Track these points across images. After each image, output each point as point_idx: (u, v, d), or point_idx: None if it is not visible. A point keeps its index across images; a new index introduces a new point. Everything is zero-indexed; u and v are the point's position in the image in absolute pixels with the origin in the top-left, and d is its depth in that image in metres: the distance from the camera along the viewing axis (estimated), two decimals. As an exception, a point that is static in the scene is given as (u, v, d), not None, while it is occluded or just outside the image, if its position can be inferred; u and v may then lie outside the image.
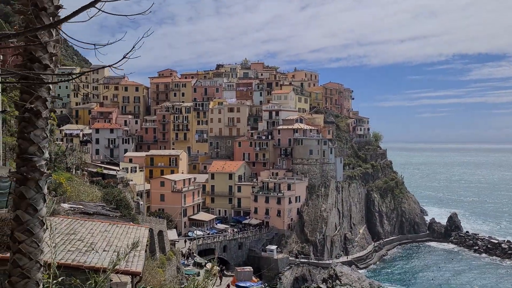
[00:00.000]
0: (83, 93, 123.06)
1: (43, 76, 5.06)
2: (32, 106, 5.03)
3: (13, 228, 5.10)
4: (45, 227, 5.28)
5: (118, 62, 3.32)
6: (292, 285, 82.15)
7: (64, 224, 19.48)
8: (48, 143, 5.40)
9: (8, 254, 14.52)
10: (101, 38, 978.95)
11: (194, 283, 11.89)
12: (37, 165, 5.10)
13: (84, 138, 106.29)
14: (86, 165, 49.61)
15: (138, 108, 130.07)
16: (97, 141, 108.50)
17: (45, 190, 5.26)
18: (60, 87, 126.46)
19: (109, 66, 3.31)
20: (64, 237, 17.30)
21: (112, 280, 17.82)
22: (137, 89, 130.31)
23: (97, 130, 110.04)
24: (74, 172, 43.18)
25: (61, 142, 75.33)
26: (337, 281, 77.57)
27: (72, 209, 22.64)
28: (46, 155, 5.26)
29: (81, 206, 23.21)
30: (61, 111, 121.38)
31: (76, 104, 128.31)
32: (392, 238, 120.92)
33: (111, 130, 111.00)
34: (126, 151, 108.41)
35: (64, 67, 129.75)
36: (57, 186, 23.62)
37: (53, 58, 5.26)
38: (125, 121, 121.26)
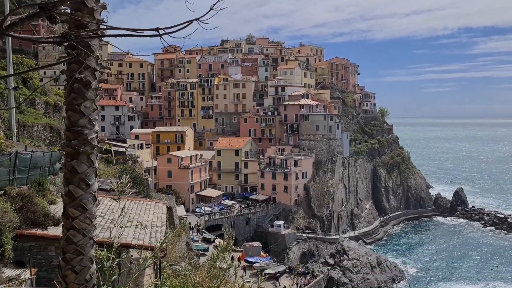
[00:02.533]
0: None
1: (91, 43, 4.75)
2: (82, 76, 4.75)
3: (66, 203, 4.90)
4: (97, 202, 5.07)
5: (205, 14, 2.99)
6: (299, 260, 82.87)
7: (83, 200, 19.37)
8: (97, 115, 5.14)
9: (34, 230, 14.35)
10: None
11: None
12: (89, 138, 4.85)
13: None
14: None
15: (143, 85, 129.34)
16: (103, 118, 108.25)
17: (96, 164, 5.03)
18: (64, 65, 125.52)
19: (196, 19, 2.99)
20: (84, 213, 17.20)
21: (132, 256, 17.81)
22: (141, 66, 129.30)
23: (102, 107, 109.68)
24: (83, 149, 42.99)
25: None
26: (345, 256, 78.14)
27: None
28: (96, 127, 5.02)
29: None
30: (64, 88, 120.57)
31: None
32: (398, 213, 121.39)
33: (117, 107, 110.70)
34: (132, 128, 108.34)
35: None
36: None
37: (100, 25, 4.96)
38: (130, 98, 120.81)
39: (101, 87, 5.10)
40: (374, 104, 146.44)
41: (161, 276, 14.12)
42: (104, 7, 4.95)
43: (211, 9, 2.96)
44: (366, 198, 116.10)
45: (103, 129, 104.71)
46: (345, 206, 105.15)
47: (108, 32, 2.96)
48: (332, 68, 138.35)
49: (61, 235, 14.87)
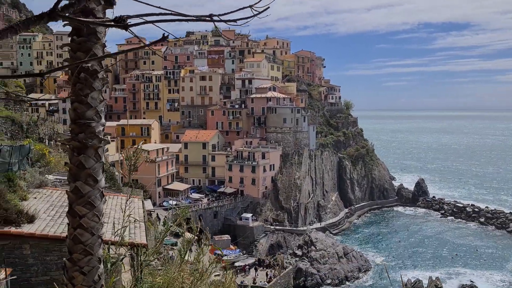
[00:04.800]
0: (48, 61, 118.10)
1: (97, 30, 4.37)
2: (89, 65, 4.38)
3: (72, 201, 4.53)
4: (104, 199, 4.73)
5: (259, 1, 2.76)
6: (267, 252, 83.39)
7: (55, 196, 18.66)
8: (104, 107, 4.78)
9: (7, 228, 13.62)
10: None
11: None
12: (96, 131, 4.49)
13: (51, 108, 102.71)
14: (58, 135, 47.85)
15: (107, 76, 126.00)
16: (64, 111, 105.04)
17: (103, 159, 4.68)
18: (22, 55, 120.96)
19: (249, 6, 2.75)
20: (58, 209, 16.54)
21: (110, 253, 17.26)
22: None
23: (63, 100, 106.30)
24: (47, 142, 41.61)
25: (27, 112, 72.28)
26: (312, 247, 79.15)
27: (58, 180, 21.75)
28: (103, 120, 4.66)
29: (66, 178, 22.30)
30: (25, 80, 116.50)
31: (40, 71, 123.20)
32: (362, 204, 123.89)
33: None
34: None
35: (25, 33, 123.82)
36: (40, 157, 22.54)
37: (105, 10, 4.58)
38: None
39: (107, 77, 4.74)
40: (339, 97, 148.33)
41: (142, 273, 13.73)
42: None
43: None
44: (332, 190, 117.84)
45: (64, 122, 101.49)
46: (312, 198, 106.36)
47: (160, 17, 2.68)
48: (298, 61, 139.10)
49: (36, 232, 14.04)
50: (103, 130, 4.70)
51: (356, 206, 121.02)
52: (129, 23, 2.84)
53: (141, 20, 2.56)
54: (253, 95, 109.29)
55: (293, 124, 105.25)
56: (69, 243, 4.58)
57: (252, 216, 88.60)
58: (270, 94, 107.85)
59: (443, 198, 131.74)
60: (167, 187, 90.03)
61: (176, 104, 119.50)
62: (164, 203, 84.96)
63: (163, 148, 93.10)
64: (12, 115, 37.86)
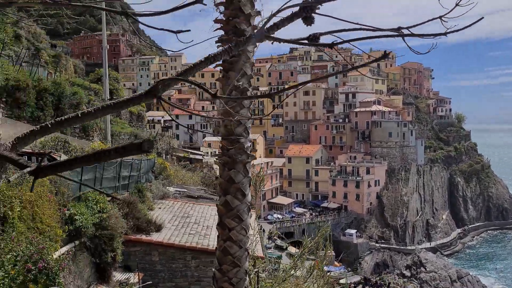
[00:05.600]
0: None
1: (247, 49, 4.82)
2: (239, 84, 4.84)
3: (222, 214, 5.00)
4: (250, 213, 5.15)
5: (450, 11, 2.79)
6: (372, 271, 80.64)
7: (177, 207, 20.08)
8: (250, 123, 5.24)
9: (139, 236, 14.98)
10: (175, 27, 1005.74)
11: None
12: (245, 146, 4.91)
13: (165, 124, 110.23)
14: (174, 150, 51.34)
15: (215, 93, 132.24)
16: (177, 127, 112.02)
17: (250, 174, 5.11)
18: (141, 76, 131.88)
19: (439, 17, 2.84)
20: (181, 220, 17.79)
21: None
22: (213, 75, 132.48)
23: (177, 116, 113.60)
24: (164, 156, 44.79)
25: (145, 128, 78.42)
26: (422, 268, 74.96)
27: (178, 192, 23.36)
28: (250, 136, 5.07)
29: (185, 190, 23.91)
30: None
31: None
32: (478, 224, 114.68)
33: (190, 116, 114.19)
34: (204, 136, 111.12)
35: (144, 56, 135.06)
36: (161, 170, 24.45)
37: (255, 31, 5.01)
38: (203, 107, 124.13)
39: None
40: (450, 110, 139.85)
41: (259, 284, 14.21)
42: (258, 13, 5.00)
43: (457, 5, 2.79)
44: (442, 208, 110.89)
45: (177, 137, 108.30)
46: (420, 215, 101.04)
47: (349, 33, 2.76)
48: (405, 73, 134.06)
49: (164, 241, 15.22)
50: (250, 146, 5.10)
51: (470, 226, 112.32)
52: (334, 43, 2.78)
53: (336, 39, 2.59)
54: (357, 109, 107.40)
55: (399, 138, 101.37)
56: (219, 254, 5.03)
57: (356, 232, 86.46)
58: (374, 107, 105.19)
59: None
60: (271, 200, 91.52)
61: (280, 119, 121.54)
62: (269, 217, 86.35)
63: (267, 163, 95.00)
64: (135, 131, 41.36)
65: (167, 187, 23.29)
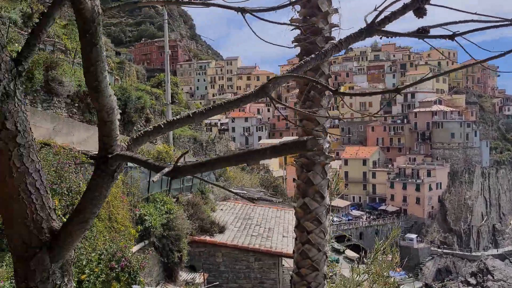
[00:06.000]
0: (219, 85, 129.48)
1: (327, 49, 4.74)
2: (318, 84, 4.78)
3: (300, 216, 4.97)
4: (328, 216, 5.09)
5: None
6: (434, 277, 77.68)
7: (238, 208, 20.29)
8: (328, 124, 5.17)
9: (203, 237, 15.21)
10: (229, 31, 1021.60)
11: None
12: (323, 148, 4.85)
13: (222, 127, 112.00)
14: (231, 152, 52.04)
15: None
16: (233, 129, 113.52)
17: (328, 176, 5.05)
18: (198, 80, 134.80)
19: None
20: (242, 221, 17.96)
21: (283, 265, 18.12)
22: (268, 78, 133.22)
23: (233, 119, 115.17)
24: (221, 159, 45.40)
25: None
26: (489, 276, 71.31)
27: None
28: (328, 137, 5.00)
29: (245, 192, 24.13)
30: (200, 102, 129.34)
31: (213, 95, 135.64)
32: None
33: (246, 119, 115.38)
34: (260, 138, 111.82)
35: (201, 61, 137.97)
36: (222, 172, 24.84)
37: (332, 29, 4.93)
38: (258, 110, 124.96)
39: (332, 94, 5.06)
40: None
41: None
42: (336, 11, 4.92)
43: None
44: (510, 213, 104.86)
45: (233, 139, 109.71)
46: (486, 220, 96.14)
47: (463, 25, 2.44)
48: (467, 71, 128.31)
49: (227, 242, 15.36)
50: (329, 147, 5.03)
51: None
52: (455, 33, 2.51)
53: (447, 32, 2.39)
54: (417, 110, 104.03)
55: (462, 140, 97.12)
56: (297, 257, 5.00)
57: (417, 237, 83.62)
58: (435, 107, 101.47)
59: None
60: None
61: (335, 121, 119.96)
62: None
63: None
64: (194, 134, 42.29)
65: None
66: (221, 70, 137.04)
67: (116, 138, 2.10)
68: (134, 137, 2.15)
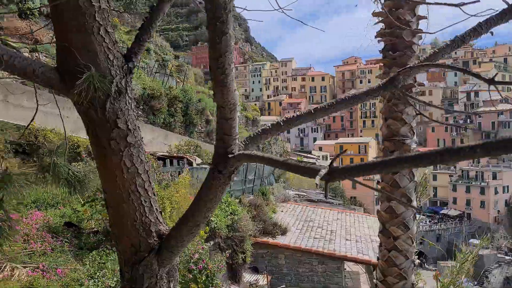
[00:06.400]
0: (274, 86, 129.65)
1: (413, 41, 4.47)
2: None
3: (385, 221, 4.69)
4: (416, 221, 4.77)
5: None
6: (502, 286, 73.48)
7: (298, 210, 20.05)
8: (416, 123, 4.84)
9: (266, 239, 15.08)
10: (283, 33, 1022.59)
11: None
12: (411, 148, 4.53)
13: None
14: (287, 153, 51.84)
15: (325, 97, 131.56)
16: (288, 131, 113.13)
17: (418, 178, 4.74)
18: (253, 82, 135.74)
19: None
20: (304, 223, 17.71)
21: (345, 269, 17.66)
22: (323, 79, 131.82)
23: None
24: (278, 160, 45.27)
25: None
26: None
27: (297, 195, 23.38)
28: (415, 137, 4.67)
29: (304, 193, 23.86)
30: (255, 104, 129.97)
31: (268, 97, 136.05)
32: None
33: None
34: (315, 139, 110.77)
35: (255, 63, 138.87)
36: (281, 174, 24.70)
37: (419, 21, 4.61)
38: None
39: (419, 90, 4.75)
40: None
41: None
42: (423, 1, 4.59)
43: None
44: None
45: (288, 141, 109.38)
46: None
47: None
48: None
49: (290, 244, 15.05)
50: (416, 147, 4.68)
51: None
52: None
53: None
54: (481, 109, 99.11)
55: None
56: (382, 264, 4.71)
57: (481, 242, 79.55)
58: (501, 106, 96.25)
59: None
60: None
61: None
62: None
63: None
64: (251, 135, 42.33)
65: (287, 190, 23.41)
66: (276, 71, 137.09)
67: (236, 137, 1.98)
68: (252, 135, 2.02)
